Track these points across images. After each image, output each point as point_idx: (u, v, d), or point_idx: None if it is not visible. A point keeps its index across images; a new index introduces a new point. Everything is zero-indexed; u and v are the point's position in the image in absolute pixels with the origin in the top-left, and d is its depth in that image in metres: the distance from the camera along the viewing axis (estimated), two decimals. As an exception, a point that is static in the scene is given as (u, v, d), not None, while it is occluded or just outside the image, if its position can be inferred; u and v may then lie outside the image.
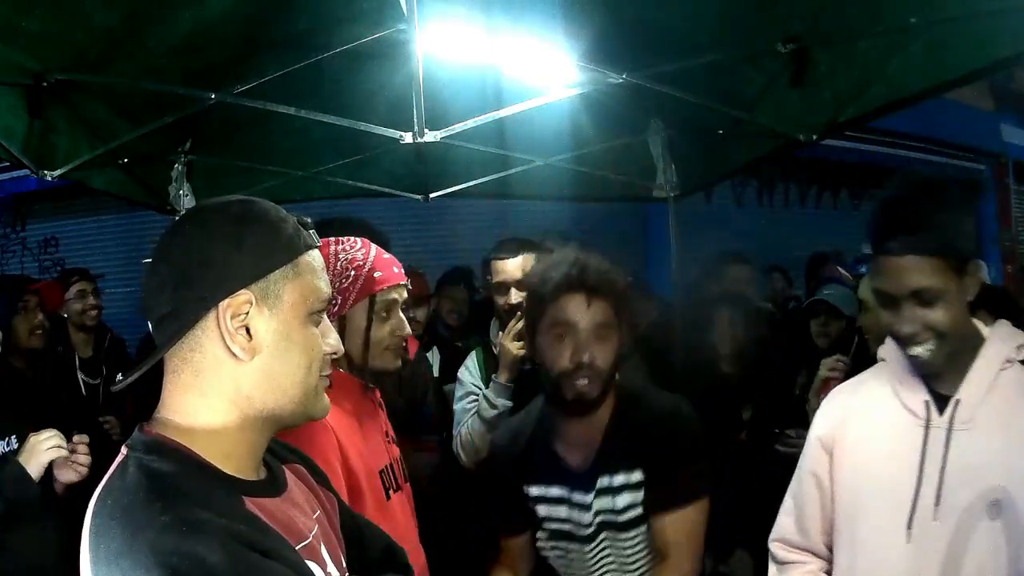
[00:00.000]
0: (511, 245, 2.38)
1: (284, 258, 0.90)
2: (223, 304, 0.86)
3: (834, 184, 7.37)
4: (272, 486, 0.94)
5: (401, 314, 1.63)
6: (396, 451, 1.71)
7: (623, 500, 1.65)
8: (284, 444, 1.08)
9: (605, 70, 2.33)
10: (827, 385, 2.24)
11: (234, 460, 0.89)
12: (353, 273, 1.55)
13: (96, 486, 0.86)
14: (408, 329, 1.64)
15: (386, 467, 1.59)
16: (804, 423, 2.53)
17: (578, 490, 1.68)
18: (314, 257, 0.95)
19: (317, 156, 3.33)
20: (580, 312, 1.59)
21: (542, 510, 1.73)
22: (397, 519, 1.50)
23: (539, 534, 1.75)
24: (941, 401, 1.34)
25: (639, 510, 1.65)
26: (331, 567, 0.96)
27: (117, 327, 4.01)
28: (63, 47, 2.11)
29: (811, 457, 1.51)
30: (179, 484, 0.81)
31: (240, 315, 0.87)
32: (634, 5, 2.32)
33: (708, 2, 2.24)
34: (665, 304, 3.74)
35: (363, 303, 1.56)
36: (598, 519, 1.67)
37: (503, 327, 2.35)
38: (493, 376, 2.29)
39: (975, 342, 1.34)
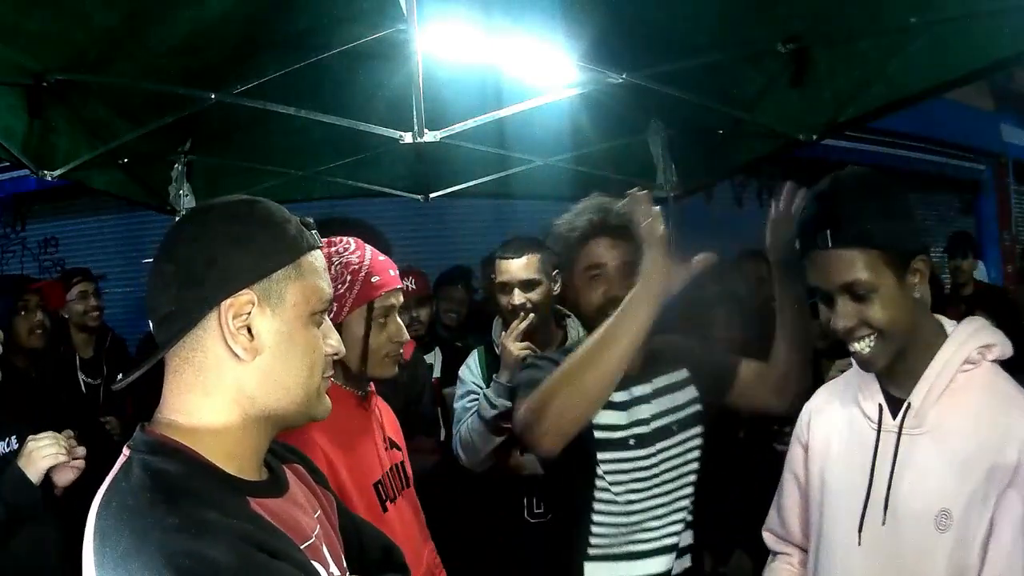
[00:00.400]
0: (516, 245, 2.37)
1: (287, 258, 0.90)
2: (225, 304, 0.86)
3: (834, 184, 7.36)
4: (274, 486, 0.94)
5: (399, 319, 1.59)
6: (398, 456, 1.68)
7: (682, 396, 1.77)
8: (283, 444, 1.08)
9: (605, 70, 2.33)
10: None
11: (237, 460, 0.89)
12: (350, 278, 1.52)
13: (96, 487, 0.85)
14: (406, 335, 1.61)
15: (382, 478, 1.55)
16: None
17: (638, 385, 1.76)
18: (316, 257, 0.95)
19: (317, 156, 3.34)
20: (608, 253, 1.73)
21: (604, 417, 1.72)
22: (396, 531, 1.47)
23: (599, 455, 1.71)
24: (896, 404, 1.30)
25: (694, 408, 1.77)
26: (333, 567, 0.96)
27: (117, 327, 4.01)
28: (63, 47, 2.11)
29: (791, 453, 1.52)
30: (185, 484, 0.81)
31: (242, 315, 0.87)
32: (634, 5, 2.32)
33: (708, 2, 2.24)
34: (664, 303, 3.73)
35: (361, 310, 1.52)
36: (657, 422, 1.74)
37: (506, 327, 2.35)
38: (495, 376, 2.29)
39: (936, 342, 1.27)
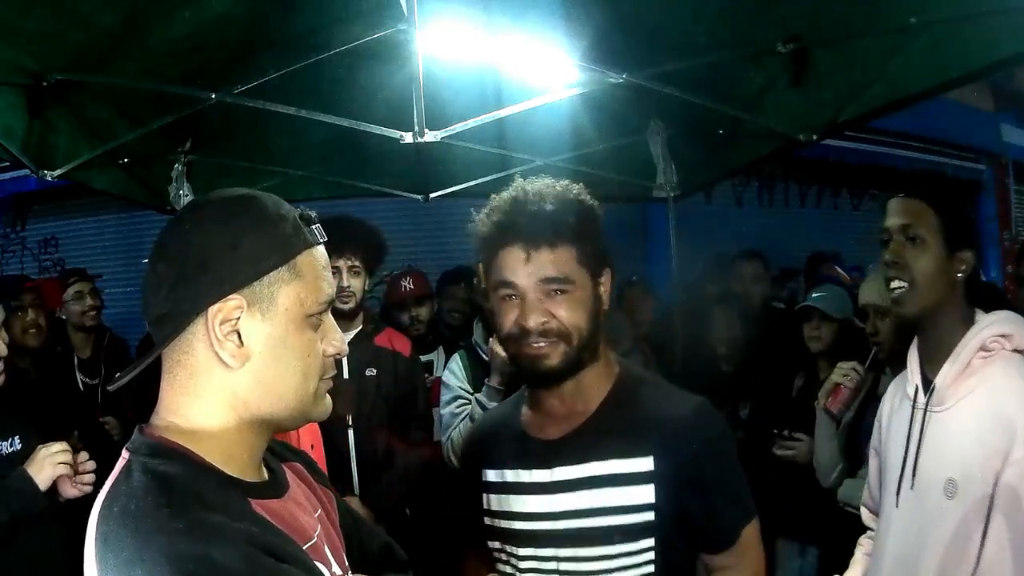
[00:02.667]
0: None
1: (279, 260, 0.86)
2: (213, 309, 0.84)
3: (834, 184, 7.36)
4: (275, 487, 0.93)
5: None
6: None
7: (615, 496, 1.26)
8: (282, 443, 1.07)
9: (605, 70, 2.33)
10: (838, 390, 2.23)
11: (236, 462, 0.88)
12: None
13: (97, 489, 0.84)
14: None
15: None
16: (802, 425, 2.53)
17: (540, 468, 1.31)
18: (316, 255, 0.90)
19: (317, 156, 3.33)
20: (521, 269, 1.26)
21: (495, 501, 1.38)
22: None
23: (493, 544, 1.39)
24: (929, 385, 1.49)
25: (636, 517, 1.26)
26: (335, 566, 0.95)
27: (117, 327, 4.01)
28: (63, 47, 2.11)
29: (874, 433, 1.71)
30: (188, 487, 0.80)
31: (230, 320, 0.84)
32: (634, 5, 2.32)
33: (708, 2, 2.24)
34: (664, 303, 3.74)
35: None
36: (564, 522, 1.28)
37: (488, 330, 2.34)
38: (486, 380, 2.28)
39: (964, 329, 1.46)
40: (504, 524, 1.37)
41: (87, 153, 2.60)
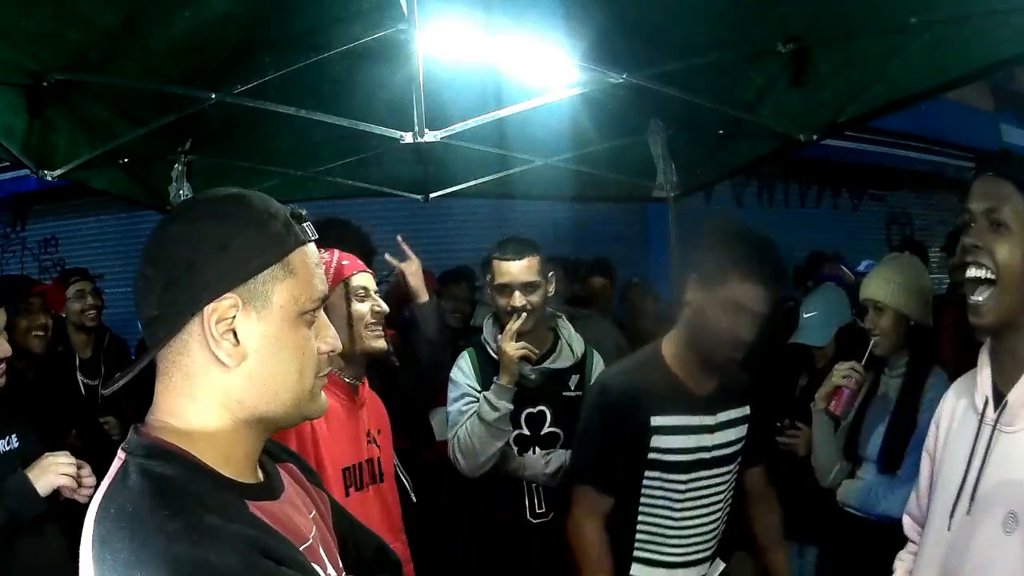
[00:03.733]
0: (516, 246, 2.35)
1: (272, 258, 0.86)
2: (208, 309, 0.84)
3: (834, 184, 7.37)
4: (270, 489, 0.93)
5: (375, 295, 1.83)
6: (375, 451, 1.78)
7: (734, 433, 1.94)
8: (276, 443, 1.07)
9: (605, 70, 2.33)
10: (839, 392, 2.23)
11: (232, 463, 0.87)
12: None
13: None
14: (384, 306, 1.83)
15: (353, 466, 1.69)
16: (805, 420, 2.53)
17: (706, 415, 1.91)
18: (307, 253, 0.90)
19: (317, 156, 3.34)
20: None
21: (665, 441, 1.88)
22: None
23: (652, 473, 1.89)
24: (1000, 399, 1.30)
25: (738, 447, 1.95)
26: (330, 568, 0.95)
27: (117, 327, 4.01)
28: (63, 47, 2.11)
29: (928, 434, 1.51)
30: (185, 489, 0.80)
31: (226, 319, 0.84)
32: (634, 5, 2.32)
33: (708, 2, 2.24)
34: (665, 303, 3.74)
35: (339, 289, 1.77)
36: (714, 452, 1.90)
37: (501, 328, 2.34)
38: (495, 379, 2.27)
39: None
40: (671, 458, 1.88)
41: (87, 153, 2.60)
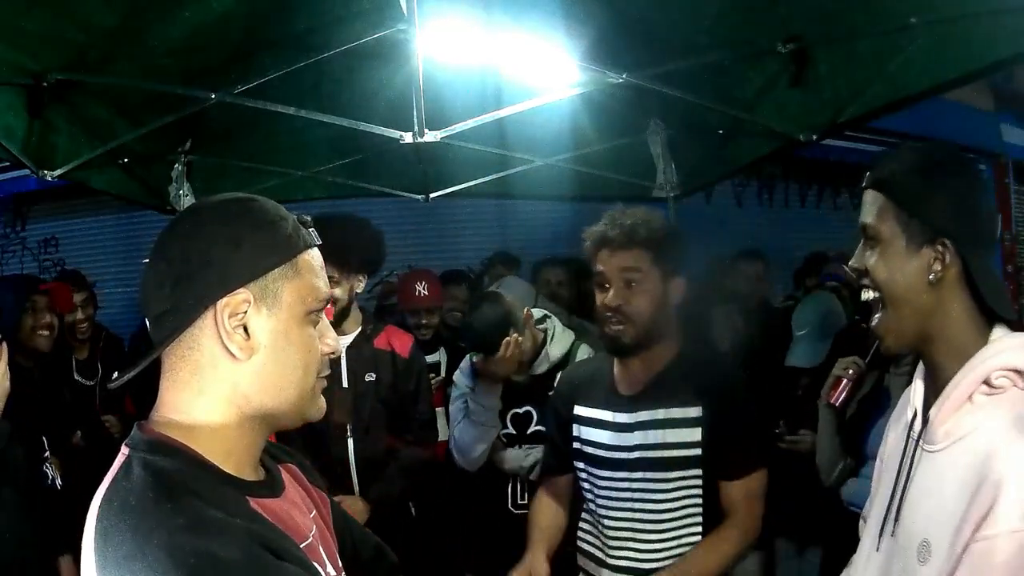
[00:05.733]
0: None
1: (283, 257, 0.89)
2: (221, 303, 0.86)
3: (834, 184, 7.36)
4: (271, 486, 0.94)
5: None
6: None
7: (673, 435, 1.74)
8: (278, 444, 1.08)
9: (605, 70, 2.33)
10: (837, 383, 2.23)
11: (234, 459, 0.88)
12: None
13: (96, 486, 0.85)
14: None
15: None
16: (809, 424, 2.53)
17: (622, 413, 1.80)
18: (313, 256, 0.94)
19: (317, 156, 3.33)
20: (607, 262, 1.78)
21: (584, 432, 1.86)
22: None
23: (578, 463, 1.87)
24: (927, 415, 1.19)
25: (687, 452, 1.73)
26: (329, 567, 0.95)
27: (116, 327, 4.01)
28: (63, 47, 2.11)
29: (884, 439, 1.38)
30: (188, 483, 0.80)
31: (238, 314, 0.87)
32: (634, 5, 2.32)
33: (708, 2, 2.24)
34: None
35: None
36: (636, 453, 1.76)
37: None
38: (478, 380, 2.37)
39: (971, 352, 1.13)
40: (590, 450, 1.84)
41: (87, 153, 2.60)
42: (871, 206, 1.19)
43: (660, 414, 1.76)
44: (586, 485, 1.89)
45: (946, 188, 1.15)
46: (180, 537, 0.74)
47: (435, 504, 2.76)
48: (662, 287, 1.80)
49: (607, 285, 1.78)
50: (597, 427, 1.85)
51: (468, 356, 2.54)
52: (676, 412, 1.76)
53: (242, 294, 0.87)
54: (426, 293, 3.27)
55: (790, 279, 4.71)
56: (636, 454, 1.77)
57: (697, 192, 3.61)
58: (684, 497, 1.75)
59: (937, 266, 1.13)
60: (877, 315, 1.19)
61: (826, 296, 3.01)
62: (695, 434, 1.74)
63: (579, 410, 1.92)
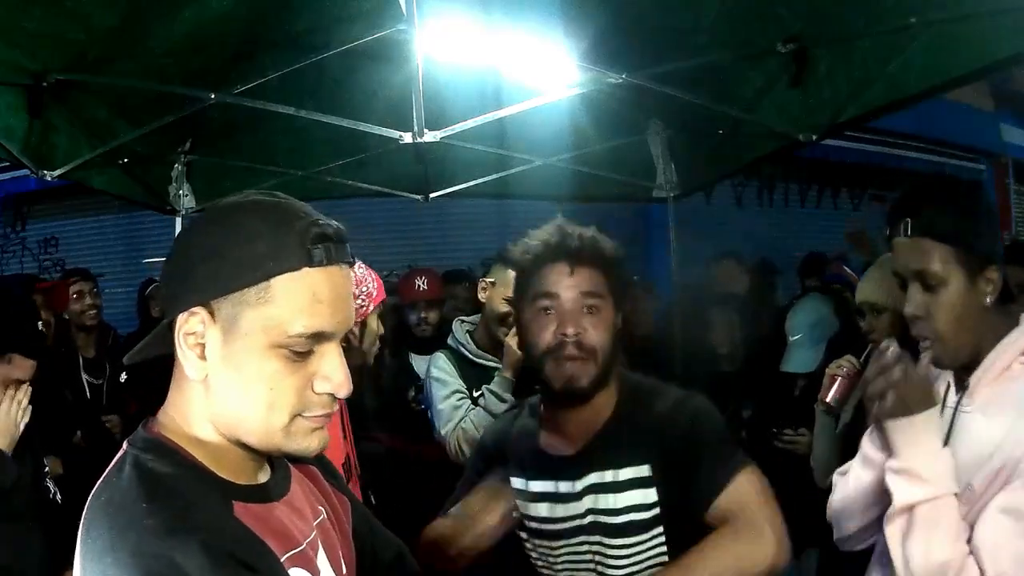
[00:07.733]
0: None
1: (246, 281, 0.81)
2: (180, 318, 0.83)
3: (834, 184, 7.37)
4: (268, 491, 0.92)
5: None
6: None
7: (625, 499, 1.45)
8: None
9: (605, 70, 2.33)
10: (832, 381, 2.23)
11: (226, 464, 0.87)
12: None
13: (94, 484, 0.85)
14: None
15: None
16: (806, 425, 2.53)
17: (565, 481, 1.49)
18: (307, 281, 0.82)
19: (317, 156, 3.33)
20: (563, 281, 1.43)
21: (524, 506, 1.52)
22: None
23: (522, 534, 1.56)
24: (961, 384, 1.36)
25: (645, 514, 1.44)
26: (325, 574, 0.94)
27: (119, 327, 4.02)
28: (63, 47, 2.11)
29: None
30: (170, 486, 0.80)
31: (193, 333, 0.83)
32: (634, 5, 2.32)
33: (708, 2, 2.24)
34: (665, 303, 3.74)
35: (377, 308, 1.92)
36: (588, 519, 1.47)
37: (472, 330, 2.54)
38: (498, 372, 2.36)
39: (1004, 331, 1.30)
40: (535, 525, 1.53)
41: (87, 153, 2.60)
42: (925, 254, 1.28)
43: (609, 476, 1.46)
44: (535, 554, 1.55)
45: (977, 215, 1.31)
46: (148, 539, 0.74)
47: (397, 496, 2.67)
48: (617, 318, 1.48)
49: (561, 310, 1.42)
50: (538, 500, 1.52)
51: (441, 355, 2.55)
52: (627, 472, 1.46)
53: (198, 314, 0.82)
54: (426, 287, 3.27)
55: (791, 279, 4.71)
56: (589, 519, 1.47)
57: (697, 192, 3.61)
58: (649, 557, 1.47)
59: (990, 288, 1.28)
60: (927, 350, 1.32)
61: (819, 300, 2.99)
62: (650, 495, 1.45)
63: (515, 482, 1.54)
